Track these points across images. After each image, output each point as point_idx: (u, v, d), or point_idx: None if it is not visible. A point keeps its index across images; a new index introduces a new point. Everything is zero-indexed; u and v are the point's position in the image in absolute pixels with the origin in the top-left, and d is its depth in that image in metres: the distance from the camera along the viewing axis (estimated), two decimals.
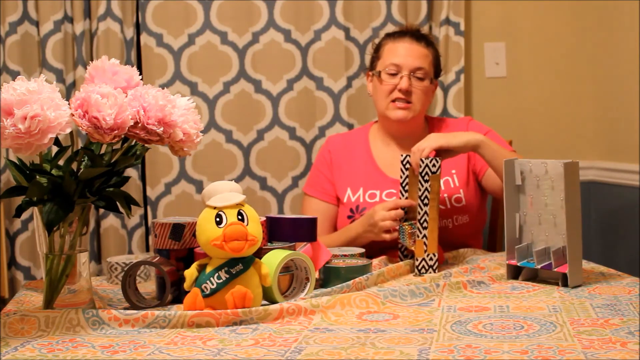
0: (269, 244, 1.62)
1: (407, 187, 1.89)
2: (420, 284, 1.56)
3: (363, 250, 1.82)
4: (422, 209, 1.77)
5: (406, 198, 1.88)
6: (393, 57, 2.12)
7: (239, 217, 1.42)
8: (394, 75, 2.11)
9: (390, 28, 2.72)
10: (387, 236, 1.90)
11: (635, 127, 2.59)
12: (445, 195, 2.09)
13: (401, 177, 1.90)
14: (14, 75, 2.59)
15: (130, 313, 1.36)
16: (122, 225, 2.69)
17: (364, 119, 2.77)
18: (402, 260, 1.85)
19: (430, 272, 1.75)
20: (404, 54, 2.12)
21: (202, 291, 1.42)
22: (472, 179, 2.13)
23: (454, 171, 2.12)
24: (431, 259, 1.76)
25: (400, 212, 1.87)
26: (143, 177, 2.74)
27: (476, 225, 2.12)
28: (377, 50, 2.21)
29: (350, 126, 2.76)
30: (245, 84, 2.74)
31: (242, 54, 2.74)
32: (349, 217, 2.12)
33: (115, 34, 2.63)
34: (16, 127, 1.28)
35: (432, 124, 2.23)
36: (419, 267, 1.76)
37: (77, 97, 1.34)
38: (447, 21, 2.76)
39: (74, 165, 1.42)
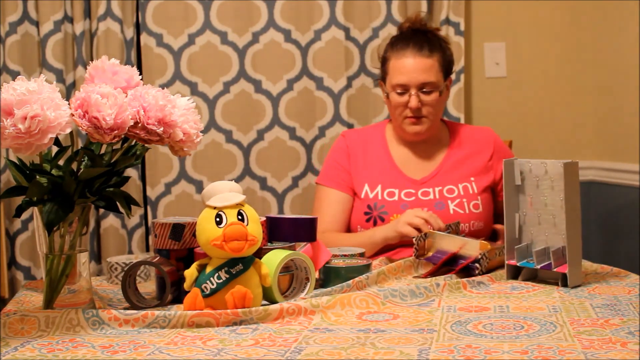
0: (269, 244, 1.62)
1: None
2: (421, 284, 1.56)
3: (363, 250, 1.82)
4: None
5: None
6: (398, 76, 2.09)
7: (239, 217, 1.42)
8: (402, 94, 2.10)
9: (390, 28, 2.73)
10: (409, 229, 1.89)
11: (635, 127, 2.59)
12: (465, 200, 2.09)
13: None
14: (14, 75, 2.59)
15: (130, 313, 1.36)
16: (122, 225, 2.69)
17: (364, 119, 2.77)
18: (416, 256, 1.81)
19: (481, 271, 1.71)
20: (409, 71, 2.08)
21: (202, 291, 1.42)
22: (489, 190, 2.15)
23: (472, 178, 2.13)
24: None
25: (429, 223, 1.87)
26: (143, 177, 2.74)
27: (487, 231, 2.13)
28: (384, 63, 2.17)
29: (350, 126, 2.76)
30: (245, 84, 2.74)
31: (242, 54, 2.74)
32: (366, 213, 2.11)
33: (115, 34, 2.63)
34: (16, 127, 1.28)
35: (452, 129, 2.22)
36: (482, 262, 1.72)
37: (77, 97, 1.34)
38: (447, 21, 2.76)
39: (74, 165, 1.42)
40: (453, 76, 2.27)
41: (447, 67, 2.15)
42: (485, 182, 2.14)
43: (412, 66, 2.09)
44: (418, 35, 2.14)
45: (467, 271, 1.70)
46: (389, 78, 2.13)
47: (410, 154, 2.18)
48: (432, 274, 1.71)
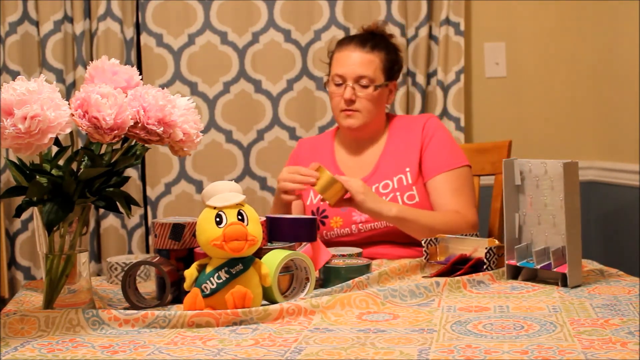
0: (269, 244, 1.62)
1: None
2: (421, 284, 1.56)
3: (360, 250, 1.83)
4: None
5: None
6: (338, 67, 2.13)
7: (239, 217, 1.42)
8: (340, 85, 2.12)
9: (390, 28, 2.72)
10: (285, 196, 1.96)
11: (635, 127, 2.59)
12: (398, 193, 2.09)
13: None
14: (14, 75, 2.59)
15: (130, 313, 1.36)
16: (122, 225, 2.69)
17: None
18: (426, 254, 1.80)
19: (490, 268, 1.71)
20: (347, 63, 2.12)
21: (202, 291, 1.42)
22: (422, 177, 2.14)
23: (407, 169, 2.12)
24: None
25: (303, 178, 1.92)
26: (143, 177, 2.74)
27: None
28: (330, 58, 2.21)
29: None
30: (245, 84, 2.75)
31: (242, 54, 2.74)
32: None
33: (115, 34, 2.63)
34: (16, 127, 1.28)
35: (392, 122, 2.22)
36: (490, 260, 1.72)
37: (77, 97, 1.34)
38: (447, 21, 2.76)
39: (74, 165, 1.42)
40: (401, 79, 2.26)
41: (390, 68, 2.16)
42: (418, 168, 2.13)
43: (350, 59, 2.12)
44: (366, 34, 2.19)
45: (476, 270, 1.70)
46: (331, 70, 2.17)
47: (352, 156, 2.21)
48: (441, 274, 1.71)
